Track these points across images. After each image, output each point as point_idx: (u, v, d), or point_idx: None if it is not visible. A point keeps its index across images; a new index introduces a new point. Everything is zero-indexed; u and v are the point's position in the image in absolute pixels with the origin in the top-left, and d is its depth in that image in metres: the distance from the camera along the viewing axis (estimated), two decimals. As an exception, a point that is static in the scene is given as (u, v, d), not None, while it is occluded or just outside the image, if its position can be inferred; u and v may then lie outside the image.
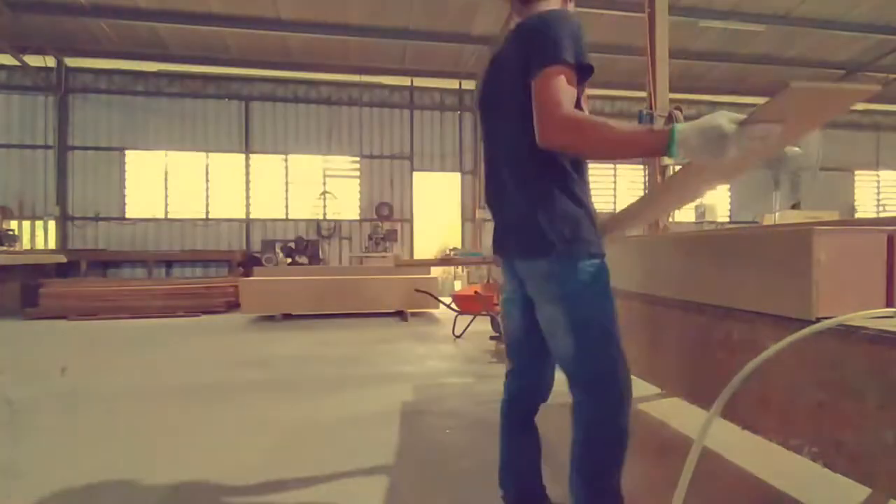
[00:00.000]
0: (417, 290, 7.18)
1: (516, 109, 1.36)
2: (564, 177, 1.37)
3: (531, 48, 1.30)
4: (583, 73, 1.29)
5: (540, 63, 1.25)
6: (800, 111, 1.01)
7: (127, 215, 10.85)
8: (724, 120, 1.08)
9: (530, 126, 1.27)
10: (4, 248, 8.88)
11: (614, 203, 12.86)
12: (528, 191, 1.39)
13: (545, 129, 1.22)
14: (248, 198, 11.33)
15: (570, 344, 1.34)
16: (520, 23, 1.44)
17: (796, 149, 4.07)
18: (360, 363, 4.47)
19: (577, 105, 1.30)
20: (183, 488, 2.09)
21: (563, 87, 1.22)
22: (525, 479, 1.64)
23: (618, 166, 12.73)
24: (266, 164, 11.43)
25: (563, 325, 1.34)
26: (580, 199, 1.36)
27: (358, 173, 11.74)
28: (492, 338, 5.01)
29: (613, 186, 12.89)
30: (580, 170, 1.41)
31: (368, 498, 1.98)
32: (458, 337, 5.65)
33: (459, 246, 11.41)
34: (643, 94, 4.75)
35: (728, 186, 13.14)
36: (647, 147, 1.19)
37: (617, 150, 1.26)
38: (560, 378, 1.52)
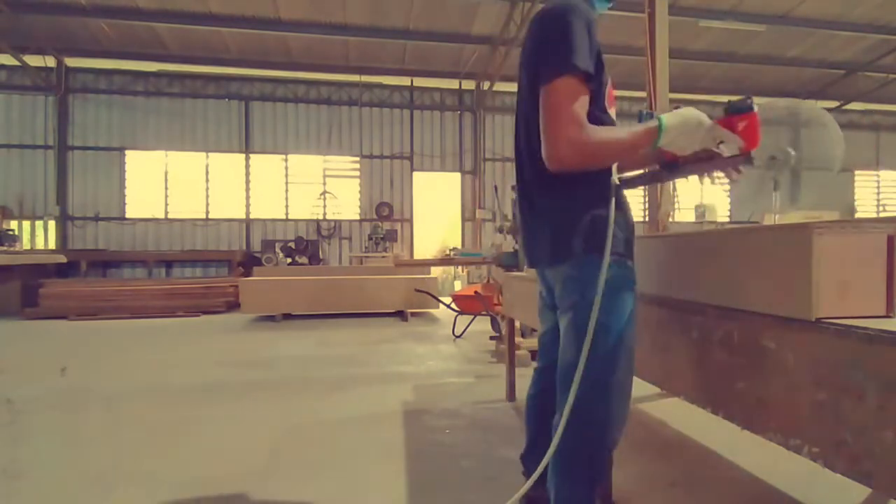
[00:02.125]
0: (417, 290, 7.19)
1: (534, 104, 1.27)
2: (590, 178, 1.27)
3: (542, 47, 1.24)
4: (594, 73, 1.21)
5: (549, 71, 1.17)
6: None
7: (127, 215, 10.85)
8: (701, 114, 1.26)
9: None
10: (4, 248, 8.89)
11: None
12: (547, 188, 1.32)
13: (552, 155, 1.16)
14: (248, 198, 11.33)
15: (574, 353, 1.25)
16: (541, 8, 1.30)
17: (793, 150, 4.06)
18: (361, 363, 4.47)
19: (594, 103, 1.24)
20: (183, 488, 2.09)
21: (571, 106, 1.15)
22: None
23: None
24: (266, 164, 11.43)
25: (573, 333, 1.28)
26: (607, 202, 1.26)
27: (358, 173, 11.74)
28: (492, 338, 5.01)
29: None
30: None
31: (368, 498, 1.98)
32: (458, 337, 5.65)
33: (459, 246, 11.41)
34: (643, 94, 4.75)
35: (728, 186, 13.15)
36: (646, 143, 1.22)
37: (625, 159, 1.25)
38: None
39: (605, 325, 1.24)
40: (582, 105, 1.17)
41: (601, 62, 1.24)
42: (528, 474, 1.66)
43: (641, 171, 1.49)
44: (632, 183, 1.50)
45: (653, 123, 1.23)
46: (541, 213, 1.35)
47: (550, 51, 1.19)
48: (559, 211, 1.29)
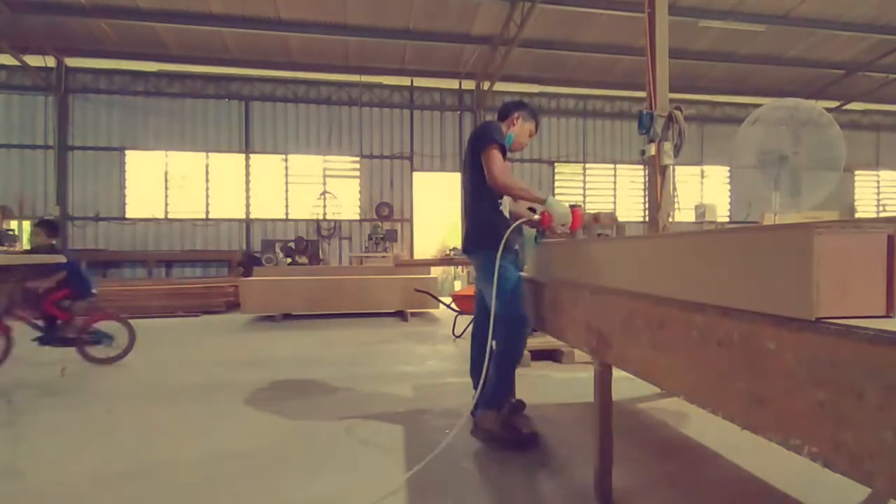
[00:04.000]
0: (417, 290, 7.19)
1: (473, 168, 2.62)
2: (491, 206, 2.64)
3: (482, 137, 2.57)
4: (504, 150, 2.54)
5: (487, 144, 2.50)
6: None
7: (127, 215, 10.85)
8: (567, 209, 2.54)
9: (477, 177, 2.57)
10: (4, 248, 8.88)
11: (614, 200, 12.90)
12: (473, 212, 2.71)
13: (490, 179, 2.49)
14: (248, 198, 11.33)
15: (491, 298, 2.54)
16: (480, 123, 3.02)
17: (794, 150, 4.07)
18: (361, 363, 4.47)
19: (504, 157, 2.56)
20: (182, 488, 2.09)
21: (498, 158, 2.48)
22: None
23: (618, 166, 12.75)
24: (266, 164, 11.44)
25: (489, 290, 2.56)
26: (499, 219, 2.63)
27: (358, 173, 11.75)
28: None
29: (613, 185, 12.91)
30: (497, 203, 2.66)
31: (369, 498, 1.98)
32: (458, 337, 5.65)
33: (459, 246, 11.41)
34: (643, 94, 4.74)
35: (728, 186, 13.16)
36: (534, 199, 2.57)
37: (520, 196, 2.59)
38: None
39: (503, 288, 2.48)
40: (502, 160, 2.50)
41: (505, 153, 2.57)
42: (474, 386, 2.85)
43: (523, 219, 2.65)
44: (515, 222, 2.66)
45: (543, 196, 2.56)
46: (469, 224, 2.75)
47: (487, 137, 2.53)
48: (476, 226, 2.68)
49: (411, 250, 11.81)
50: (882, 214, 13.57)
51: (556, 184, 12.58)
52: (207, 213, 11.20)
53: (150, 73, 10.85)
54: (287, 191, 11.53)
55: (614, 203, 12.90)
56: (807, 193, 4.29)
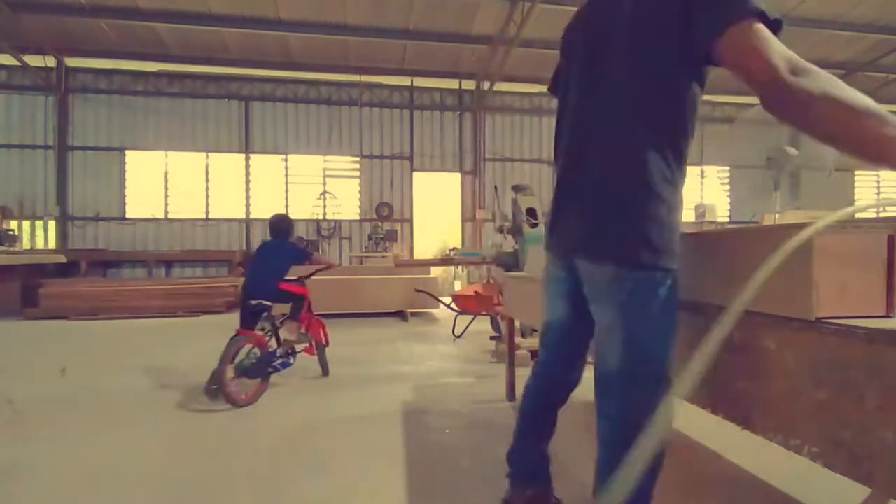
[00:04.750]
0: (417, 290, 7.19)
1: (634, 64, 1.14)
2: (667, 169, 1.18)
3: None
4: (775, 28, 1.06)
5: (728, 16, 1.06)
6: None
7: (127, 215, 10.85)
8: None
9: (646, 100, 1.13)
10: (4, 248, 8.88)
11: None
12: (617, 174, 1.19)
13: (772, 101, 1.01)
14: (248, 198, 11.32)
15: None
16: None
17: (793, 150, 4.08)
18: (361, 363, 4.47)
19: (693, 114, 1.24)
20: (183, 489, 2.09)
21: (774, 45, 1.05)
22: (536, 464, 1.66)
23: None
24: (266, 164, 11.43)
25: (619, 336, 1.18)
26: (671, 203, 1.17)
27: (358, 173, 11.74)
28: (492, 338, 5.01)
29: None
30: (680, 167, 1.23)
31: (368, 498, 1.98)
32: (458, 337, 5.65)
33: (459, 246, 11.41)
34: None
35: (728, 186, 13.16)
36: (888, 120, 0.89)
37: (850, 131, 0.92)
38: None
39: (651, 346, 1.17)
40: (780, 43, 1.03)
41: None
42: (515, 475, 1.64)
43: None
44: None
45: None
46: (598, 199, 1.20)
47: None
48: (623, 206, 1.16)
49: (411, 250, 11.80)
50: (882, 214, 13.56)
51: (556, 184, 12.57)
52: (207, 213, 11.20)
53: (150, 73, 10.85)
54: (287, 191, 11.52)
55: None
56: (806, 194, 4.28)
